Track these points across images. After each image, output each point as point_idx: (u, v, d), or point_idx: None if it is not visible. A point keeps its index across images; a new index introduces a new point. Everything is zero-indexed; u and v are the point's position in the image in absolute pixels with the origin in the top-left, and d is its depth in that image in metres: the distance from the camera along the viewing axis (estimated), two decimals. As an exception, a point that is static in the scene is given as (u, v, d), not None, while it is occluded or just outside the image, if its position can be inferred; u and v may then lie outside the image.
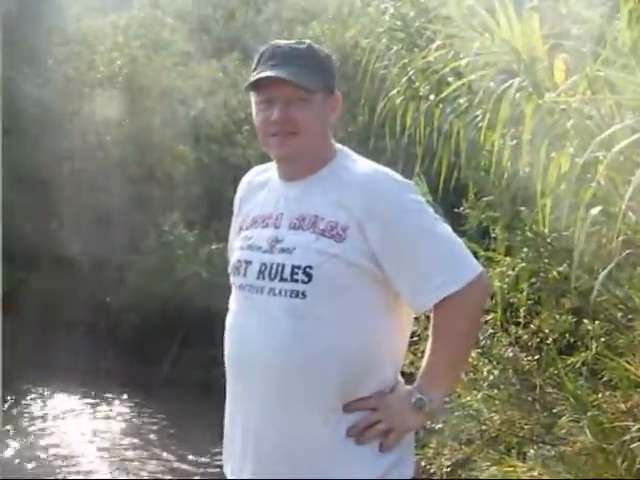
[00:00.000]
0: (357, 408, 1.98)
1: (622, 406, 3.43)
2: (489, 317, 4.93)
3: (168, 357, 9.88)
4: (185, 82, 11.42)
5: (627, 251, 3.20)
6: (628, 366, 3.58)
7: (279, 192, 2.12)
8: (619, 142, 2.68)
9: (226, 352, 2.10)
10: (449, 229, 2.00)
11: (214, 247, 9.82)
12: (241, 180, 2.31)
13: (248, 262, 2.08)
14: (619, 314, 4.26)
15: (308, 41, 2.10)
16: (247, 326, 2.05)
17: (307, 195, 2.04)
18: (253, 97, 2.08)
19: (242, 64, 11.88)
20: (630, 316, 4.07)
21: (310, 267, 1.94)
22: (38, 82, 9.99)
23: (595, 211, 3.03)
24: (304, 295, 1.95)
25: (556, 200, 3.50)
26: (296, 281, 1.95)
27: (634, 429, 3.12)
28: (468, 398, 4.58)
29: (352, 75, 8.53)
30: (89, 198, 10.09)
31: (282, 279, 1.98)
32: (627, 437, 3.15)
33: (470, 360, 4.67)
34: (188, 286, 9.71)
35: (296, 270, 1.96)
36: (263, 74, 2.01)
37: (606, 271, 3.17)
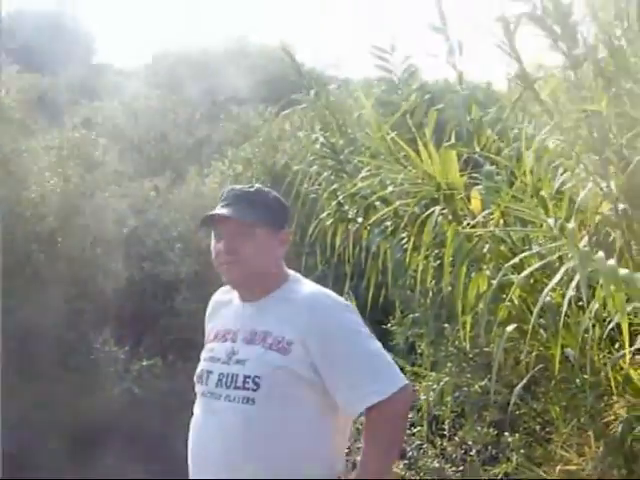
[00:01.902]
0: None
1: (542, 513, 3.62)
2: (415, 430, 5.13)
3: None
4: (118, 201, 11.58)
5: (540, 365, 3.46)
6: (545, 476, 3.79)
7: (238, 311, 2.39)
8: (529, 266, 2.98)
9: (188, 452, 2.32)
10: (379, 346, 2.28)
11: (145, 363, 9.86)
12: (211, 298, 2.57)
13: (209, 372, 2.34)
14: (537, 426, 4.50)
15: (259, 186, 2.43)
16: (205, 429, 2.29)
17: (260, 313, 2.32)
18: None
19: (173, 183, 12.15)
20: (548, 428, 4.30)
21: (258, 377, 2.21)
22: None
23: (510, 328, 3.29)
24: (253, 401, 2.20)
25: (475, 318, 3.76)
26: (247, 389, 2.22)
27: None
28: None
29: (283, 196, 8.85)
30: (20, 314, 10.01)
31: (236, 387, 2.25)
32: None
33: (398, 471, 4.85)
34: (119, 403, 9.65)
35: (247, 379, 2.23)
36: (210, 212, 2.32)
37: (521, 385, 3.43)
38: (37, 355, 9.71)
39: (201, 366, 2.41)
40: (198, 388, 2.39)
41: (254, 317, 2.34)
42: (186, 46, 19.27)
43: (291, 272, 2.43)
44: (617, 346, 3.24)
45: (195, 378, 2.41)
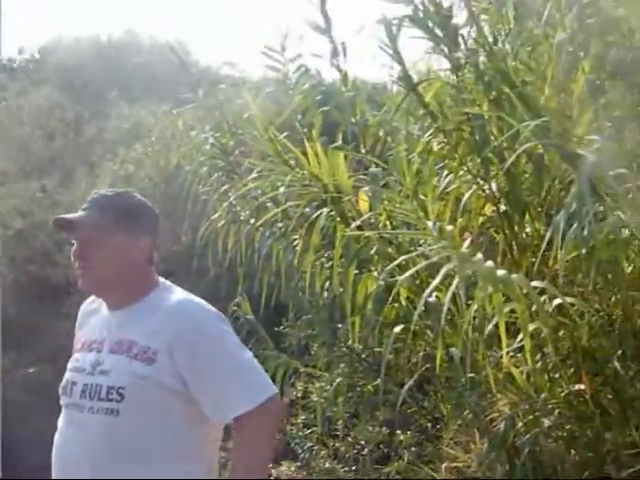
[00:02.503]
0: None
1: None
2: (308, 431, 5.13)
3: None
4: (2, 202, 11.24)
5: (427, 365, 3.50)
6: (433, 474, 3.85)
7: (104, 319, 2.32)
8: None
9: (52, 466, 2.24)
10: (249, 355, 2.26)
11: (31, 370, 9.58)
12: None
13: (74, 383, 2.27)
14: (429, 424, 4.57)
15: (123, 190, 2.37)
16: (68, 441, 2.22)
17: (126, 322, 2.26)
18: None
19: (62, 184, 11.86)
20: (439, 426, 4.37)
21: (122, 388, 2.16)
22: None
23: (397, 329, 3.32)
24: (118, 413, 2.14)
25: (365, 319, 3.78)
26: (111, 400, 2.16)
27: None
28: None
29: (175, 196, 8.75)
30: None
31: (100, 399, 2.18)
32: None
33: (290, 473, 4.85)
34: (5, 410, 9.35)
35: (111, 390, 2.17)
36: (56, 216, 2.29)
37: (409, 384, 3.47)
38: None
39: (66, 377, 2.34)
40: (62, 400, 2.32)
41: (120, 326, 2.29)
42: (75, 41, 18.83)
43: (161, 280, 2.38)
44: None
45: (60, 389, 2.34)
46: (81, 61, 17.36)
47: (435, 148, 3.35)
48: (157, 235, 2.39)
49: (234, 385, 2.17)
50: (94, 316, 2.41)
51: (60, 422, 2.31)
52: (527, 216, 3.19)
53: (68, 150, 13.18)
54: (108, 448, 2.14)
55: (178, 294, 2.31)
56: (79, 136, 13.49)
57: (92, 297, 2.47)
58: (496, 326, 2.44)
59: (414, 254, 2.97)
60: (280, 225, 4.81)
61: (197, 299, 2.29)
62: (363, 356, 5.00)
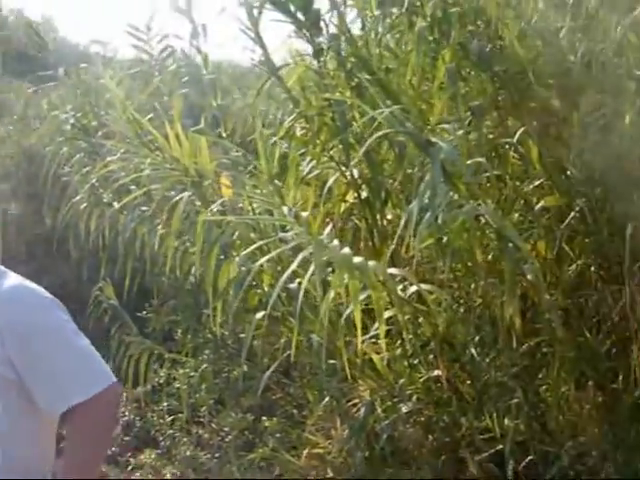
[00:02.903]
0: None
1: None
2: (170, 418, 5.06)
3: None
4: None
5: (289, 351, 3.48)
6: (294, 460, 3.85)
7: None
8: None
9: None
10: (86, 343, 2.13)
11: None
12: None
13: None
14: (294, 411, 4.56)
15: None
16: None
17: None
18: None
19: None
20: (304, 412, 4.37)
21: None
22: None
23: (259, 315, 3.28)
24: None
25: (228, 304, 3.73)
26: None
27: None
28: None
29: (37, 177, 8.45)
30: None
31: None
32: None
33: (149, 461, 4.76)
34: None
35: None
36: None
37: (270, 370, 3.45)
38: None
39: None
40: None
41: None
42: None
43: None
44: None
45: None
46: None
47: (298, 134, 3.32)
48: None
49: (68, 374, 2.06)
50: None
51: None
52: (389, 203, 3.20)
53: None
54: None
55: (11, 280, 2.19)
56: (-63, 112, 12.86)
57: None
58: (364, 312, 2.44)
59: (272, 239, 2.93)
60: (144, 208, 4.70)
61: (32, 285, 2.18)
62: (228, 342, 4.95)
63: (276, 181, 3.08)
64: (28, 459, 2.12)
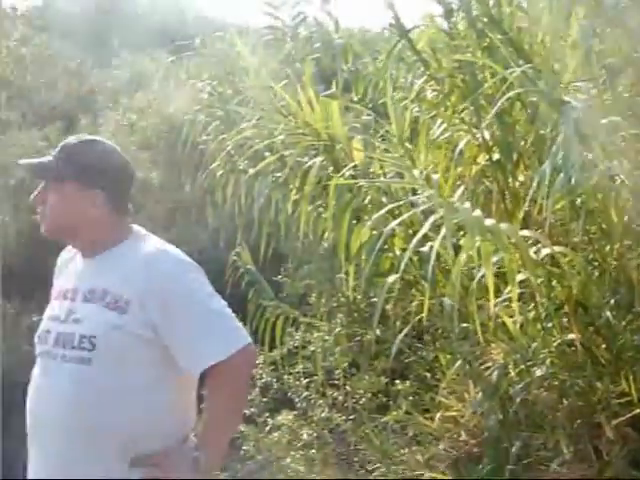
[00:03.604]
0: (142, 464, 2.16)
1: (421, 458, 3.69)
2: (306, 380, 5.16)
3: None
4: (4, 151, 11.20)
5: (421, 315, 3.49)
6: (428, 422, 3.87)
7: (79, 268, 2.31)
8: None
9: (27, 411, 2.25)
10: (223, 305, 2.23)
11: (36, 319, 9.63)
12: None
13: (48, 331, 2.27)
14: (427, 374, 4.57)
15: (88, 138, 2.35)
16: (41, 388, 2.22)
17: (99, 271, 2.25)
18: None
19: (65, 133, 11.80)
20: (437, 376, 4.38)
21: (94, 337, 2.15)
22: None
23: (391, 279, 3.30)
24: (89, 362, 2.14)
25: (360, 268, 3.76)
26: (83, 349, 2.15)
27: (425, 476, 3.39)
28: (288, 460, 4.73)
29: (177, 146, 8.70)
30: None
31: (72, 347, 2.17)
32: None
33: (286, 422, 4.87)
34: (8, 359, 9.45)
35: (83, 339, 2.16)
36: (23, 160, 2.37)
37: (403, 334, 3.46)
38: None
39: (42, 325, 2.33)
40: (37, 348, 2.31)
41: (94, 274, 2.27)
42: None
43: (136, 229, 2.35)
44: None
45: (35, 338, 2.34)
46: (84, 8, 17.18)
47: (428, 96, 3.30)
48: (120, 189, 2.34)
49: (207, 335, 2.15)
50: (70, 264, 2.40)
51: (34, 371, 2.31)
52: (521, 165, 3.15)
53: (71, 99, 13.09)
54: (77, 396, 2.13)
55: (152, 243, 2.28)
56: (82, 85, 13.38)
57: (69, 247, 2.46)
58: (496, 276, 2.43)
59: (403, 202, 2.93)
60: (277, 174, 4.78)
61: (171, 248, 2.27)
62: (361, 306, 5.00)
63: (407, 144, 3.07)
64: (168, 424, 2.21)
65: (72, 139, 2.35)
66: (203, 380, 2.23)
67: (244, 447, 4.76)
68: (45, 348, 2.25)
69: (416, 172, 2.75)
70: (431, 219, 2.34)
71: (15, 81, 13.12)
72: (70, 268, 2.38)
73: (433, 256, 2.38)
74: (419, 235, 2.41)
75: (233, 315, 2.22)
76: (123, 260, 2.24)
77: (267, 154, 4.78)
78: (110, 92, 12.65)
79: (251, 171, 5.25)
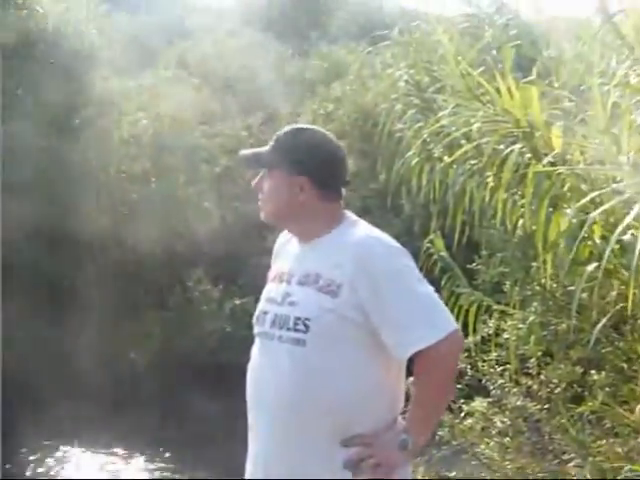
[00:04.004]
0: (354, 444, 2.25)
1: (620, 450, 3.61)
2: (500, 368, 5.14)
3: (188, 415, 9.99)
4: (209, 140, 11.73)
5: (621, 305, 3.41)
6: (628, 414, 3.77)
7: (294, 252, 2.43)
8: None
9: (247, 390, 2.40)
10: (430, 290, 2.29)
11: (238, 302, 10.09)
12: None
13: (265, 312, 2.40)
14: (624, 365, 4.46)
15: (299, 127, 2.46)
16: (259, 368, 2.36)
17: (313, 255, 2.36)
18: None
19: (266, 123, 12.22)
20: (635, 367, 4.26)
21: (308, 319, 2.26)
22: (64, 142, 10.28)
23: (590, 267, 3.25)
24: (304, 343, 2.25)
25: (557, 257, 3.72)
26: (297, 331, 2.27)
27: (626, 469, 3.32)
28: (482, 447, 4.74)
29: (372, 134, 8.85)
30: (115, 254, 10.34)
31: (288, 329, 2.30)
32: (620, 477, 3.33)
33: (480, 409, 4.88)
34: (211, 342, 9.95)
35: (297, 321, 2.28)
36: (241, 152, 2.52)
37: (601, 323, 3.40)
38: (132, 294, 10.03)
39: (259, 307, 2.47)
40: (255, 329, 2.44)
41: (308, 259, 2.37)
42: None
43: (347, 214, 2.43)
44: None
45: (254, 319, 2.47)
46: (283, 2, 17.68)
47: (632, 81, 3.22)
48: (327, 176, 2.41)
49: (416, 319, 2.20)
50: (286, 248, 2.52)
51: (253, 350, 2.44)
52: None
53: (272, 90, 13.54)
54: (293, 377, 2.25)
55: (362, 229, 2.36)
56: (282, 75, 13.81)
57: (286, 230, 2.58)
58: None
59: (606, 190, 2.88)
60: (473, 162, 4.78)
61: (381, 234, 2.34)
62: (557, 294, 4.92)
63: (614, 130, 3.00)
64: (378, 406, 2.30)
65: (285, 129, 2.46)
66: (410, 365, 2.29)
67: (439, 432, 4.81)
68: (263, 329, 2.39)
69: (622, 158, 2.69)
70: (636, 208, 2.29)
71: (220, 74, 13.71)
72: (287, 252, 2.50)
73: (638, 245, 2.33)
74: (625, 222, 2.37)
75: (440, 301, 2.28)
76: (335, 245, 2.33)
77: (463, 142, 4.79)
78: (308, 83, 12.99)
79: (446, 159, 5.28)
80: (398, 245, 2.33)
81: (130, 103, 11.38)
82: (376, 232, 2.35)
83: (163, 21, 16.89)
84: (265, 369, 2.35)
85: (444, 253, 5.46)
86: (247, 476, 2.41)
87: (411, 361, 2.28)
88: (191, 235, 10.76)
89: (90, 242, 9.98)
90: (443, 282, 5.35)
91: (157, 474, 8.92)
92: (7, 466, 8.27)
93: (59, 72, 10.33)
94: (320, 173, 2.39)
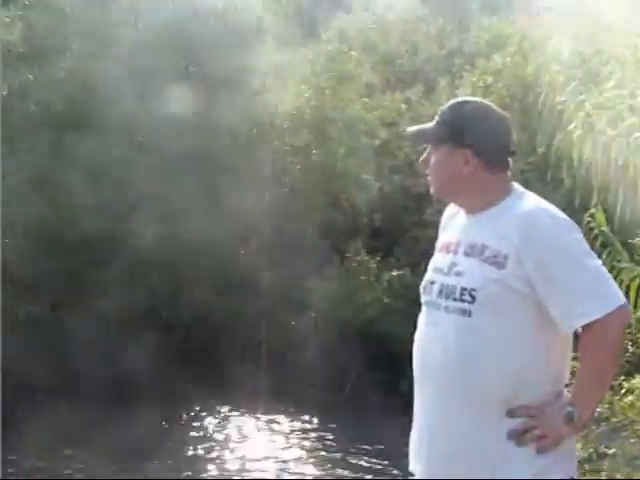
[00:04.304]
0: (519, 414, 2.27)
1: None
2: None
3: (348, 381, 10.23)
4: (369, 113, 11.84)
5: None
6: None
7: (462, 223, 2.46)
8: None
9: (413, 360, 2.46)
10: (599, 263, 2.25)
11: (395, 274, 10.20)
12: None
13: (432, 282, 2.44)
14: None
15: (460, 100, 2.48)
16: (426, 338, 2.41)
17: (479, 227, 2.37)
18: None
19: (425, 96, 12.21)
20: None
21: (474, 289, 2.28)
22: (231, 113, 10.63)
23: None
24: (469, 314, 2.28)
25: None
26: (463, 301, 2.29)
27: None
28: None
29: (531, 107, 8.70)
30: (275, 224, 10.63)
31: (454, 299, 2.32)
32: None
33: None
34: (369, 312, 10.11)
35: (464, 291, 2.30)
36: (408, 129, 2.52)
37: None
38: (289, 263, 10.30)
39: (426, 276, 2.49)
40: (422, 297, 2.47)
41: (475, 230, 2.37)
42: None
43: (515, 186, 2.41)
44: None
45: (420, 288, 2.50)
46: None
47: None
48: (491, 146, 2.39)
49: (583, 292, 2.19)
50: (454, 220, 2.54)
51: (420, 319, 2.49)
52: None
53: (430, 63, 13.49)
54: (459, 347, 2.27)
55: (530, 200, 2.34)
56: (441, 49, 13.73)
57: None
58: None
59: None
60: (637, 135, 4.68)
61: (549, 206, 2.31)
62: None
63: None
64: (544, 378, 2.30)
65: (448, 103, 2.48)
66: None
67: (598, 409, 4.78)
68: (429, 298, 2.43)
69: None
70: None
71: (380, 47, 13.78)
72: (454, 223, 2.53)
73: None
74: None
75: (609, 275, 2.25)
76: (502, 217, 2.33)
77: (627, 114, 4.69)
78: (467, 56, 12.86)
79: (610, 132, 5.18)
80: (566, 217, 2.30)
81: (293, 76, 11.61)
82: (544, 204, 2.33)
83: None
84: (432, 339, 2.37)
85: (605, 228, 5.37)
86: (411, 445, 2.45)
87: (576, 337, 2.27)
88: (350, 207, 10.93)
89: (250, 211, 10.27)
90: (604, 257, 5.27)
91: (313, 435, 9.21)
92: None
93: (226, 47, 10.69)
94: (483, 144, 2.38)
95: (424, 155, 2.47)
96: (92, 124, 9.57)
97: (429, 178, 2.45)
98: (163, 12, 10.43)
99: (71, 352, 8.75)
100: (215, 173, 10.15)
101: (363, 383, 10.06)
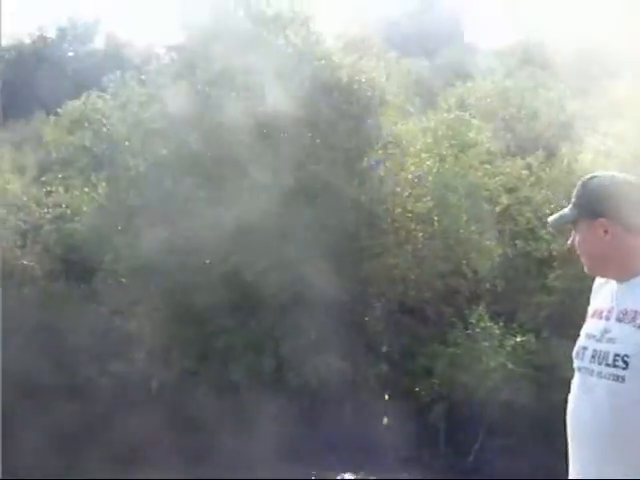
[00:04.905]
0: None
1: None
2: None
3: (474, 446, 10.18)
4: (490, 179, 11.93)
5: None
6: None
7: (613, 290, 2.53)
8: None
9: (567, 423, 2.55)
10: None
11: (519, 339, 10.17)
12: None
13: (585, 348, 2.49)
14: None
15: (590, 176, 2.56)
16: (580, 403, 2.47)
17: (630, 293, 2.40)
18: None
19: (546, 162, 12.20)
20: None
21: (627, 356, 2.30)
22: (354, 183, 10.93)
23: None
24: (623, 380, 2.31)
25: None
26: (617, 367, 2.32)
27: None
28: None
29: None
30: (399, 291, 10.79)
31: (607, 364, 2.36)
32: None
33: None
34: (494, 377, 10.10)
35: (617, 357, 2.33)
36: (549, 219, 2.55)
37: None
38: (415, 328, 10.39)
39: (579, 342, 2.55)
40: (575, 363, 2.54)
41: (626, 297, 2.39)
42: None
43: None
44: None
45: (573, 353, 2.58)
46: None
47: None
48: (625, 213, 2.39)
49: None
50: (605, 286, 2.60)
51: (573, 385, 2.54)
52: None
53: (551, 128, 13.46)
54: (613, 412, 2.29)
55: None
56: (561, 113, 13.69)
57: None
58: None
59: None
60: None
61: None
62: None
63: None
64: None
65: (579, 182, 2.57)
66: None
67: None
68: (582, 364, 2.47)
69: None
70: None
71: (500, 114, 13.86)
72: (605, 290, 2.59)
73: None
74: None
75: None
76: None
77: None
78: (589, 120, 12.79)
79: None
80: None
81: (415, 144, 11.85)
82: None
83: (444, 64, 17.34)
84: (585, 403, 2.39)
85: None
86: None
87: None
88: (472, 272, 10.99)
89: (373, 279, 10.48)
90: None
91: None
92: None
93: (351, 118, 11.05)
94: (617, 210, 2.42)
95: (570, 239, 2.57)
96: (226, 197, 10.06)
97: (582, 259, 2.54)
98: (291, 89, 10.82)
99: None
100: (340, 247, 10.43)
101: (488, 449, 9.98)
